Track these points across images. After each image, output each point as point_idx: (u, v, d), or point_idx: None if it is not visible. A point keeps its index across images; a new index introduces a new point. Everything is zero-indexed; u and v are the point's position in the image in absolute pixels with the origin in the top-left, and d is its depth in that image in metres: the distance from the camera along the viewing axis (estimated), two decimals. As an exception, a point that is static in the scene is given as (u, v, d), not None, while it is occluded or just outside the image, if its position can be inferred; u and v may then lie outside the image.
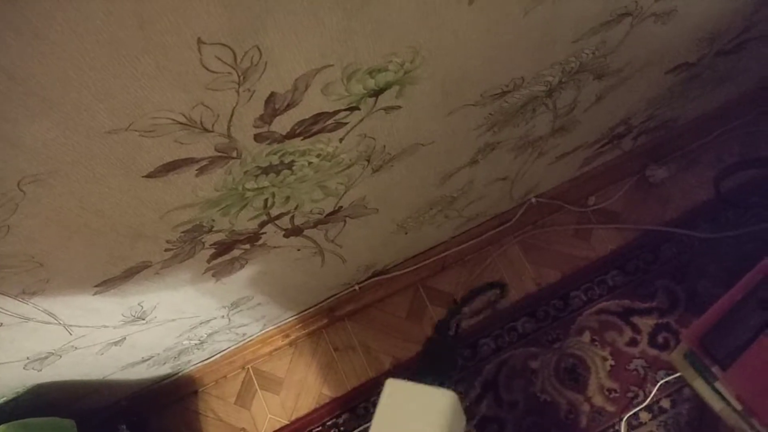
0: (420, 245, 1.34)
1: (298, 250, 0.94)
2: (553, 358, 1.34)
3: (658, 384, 1.28)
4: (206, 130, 0.53)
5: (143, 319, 0.90)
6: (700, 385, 0.90)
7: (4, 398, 0.92)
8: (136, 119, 0.48)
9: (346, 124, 0.64)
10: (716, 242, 1.37)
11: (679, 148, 1.41)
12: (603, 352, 1.33)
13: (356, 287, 1.35)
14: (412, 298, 1.43)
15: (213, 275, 0.86)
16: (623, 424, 1.27)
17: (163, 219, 0.63)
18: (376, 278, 1.36)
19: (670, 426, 1.26)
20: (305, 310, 1.35)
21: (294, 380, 1.39)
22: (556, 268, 1.41)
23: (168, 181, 0.58)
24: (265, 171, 0.65)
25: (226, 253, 0.81)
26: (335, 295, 1.35)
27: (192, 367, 1.30)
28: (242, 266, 0.89)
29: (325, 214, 0.85)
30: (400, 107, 0.66)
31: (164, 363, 1.18)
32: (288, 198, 0.74)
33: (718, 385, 0.87)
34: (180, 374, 1.30)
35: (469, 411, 1.30)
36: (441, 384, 0.38)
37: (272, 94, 0.53)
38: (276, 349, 1.40)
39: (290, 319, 1.34)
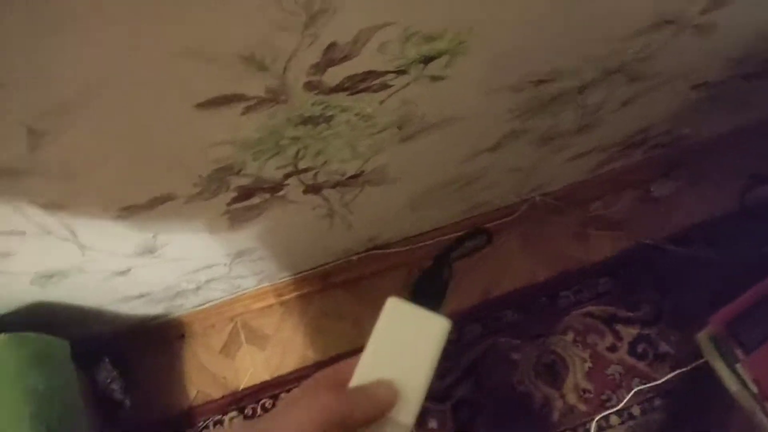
0: (423, 225, 1.36)
1: (313, 209, 0.96)
2: (534, 352, 1.37)
3: (633, 391, 1.31)
4: (263, 68, 0.54)
5: (152, 253, 0.91)
6: (720, 366, 0.95)
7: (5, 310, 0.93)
8: (204, 45, 0.49)
9: (391, 87, 0.66)
10: (708, 262, 1.40)
11: (686, 165, 1.44)
12: (583, 354, 1.37)
13: (354, 257, 1.37)
14: (406, 277, 1.45)
15: (229, 218, 0.87)
16: (594, 424, 1.30)
17: (202, 151, 0.64)
18: (374, 251, 1.38)
19: (637, 432, 1.30)
20: (301, 272, 1.36)
21: (281, 339, 1.41)
22: (550, 267, 1.43)
23: (216, 113, 0.59)
24: (305, 122, 0.67)
25: (246, 199, 0.83)
26: (332, 261, 1.37)
27: (183, 312, 1.31)
28: (257, 215, 0.90)
29: (346, 176, 0.87)
30: (444, 78, 0.67)
31: (160, 302, 1.19)
32: (319, 152, 0.75)
33: (738, 367, 0.92)
34: (170, 317, 1.31)
35: (446, 392, 1.33)
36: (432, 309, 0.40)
37: (333, 43, 0.54)
38: (267, 306, 1.42)
39: (286, 278, 1.36)
